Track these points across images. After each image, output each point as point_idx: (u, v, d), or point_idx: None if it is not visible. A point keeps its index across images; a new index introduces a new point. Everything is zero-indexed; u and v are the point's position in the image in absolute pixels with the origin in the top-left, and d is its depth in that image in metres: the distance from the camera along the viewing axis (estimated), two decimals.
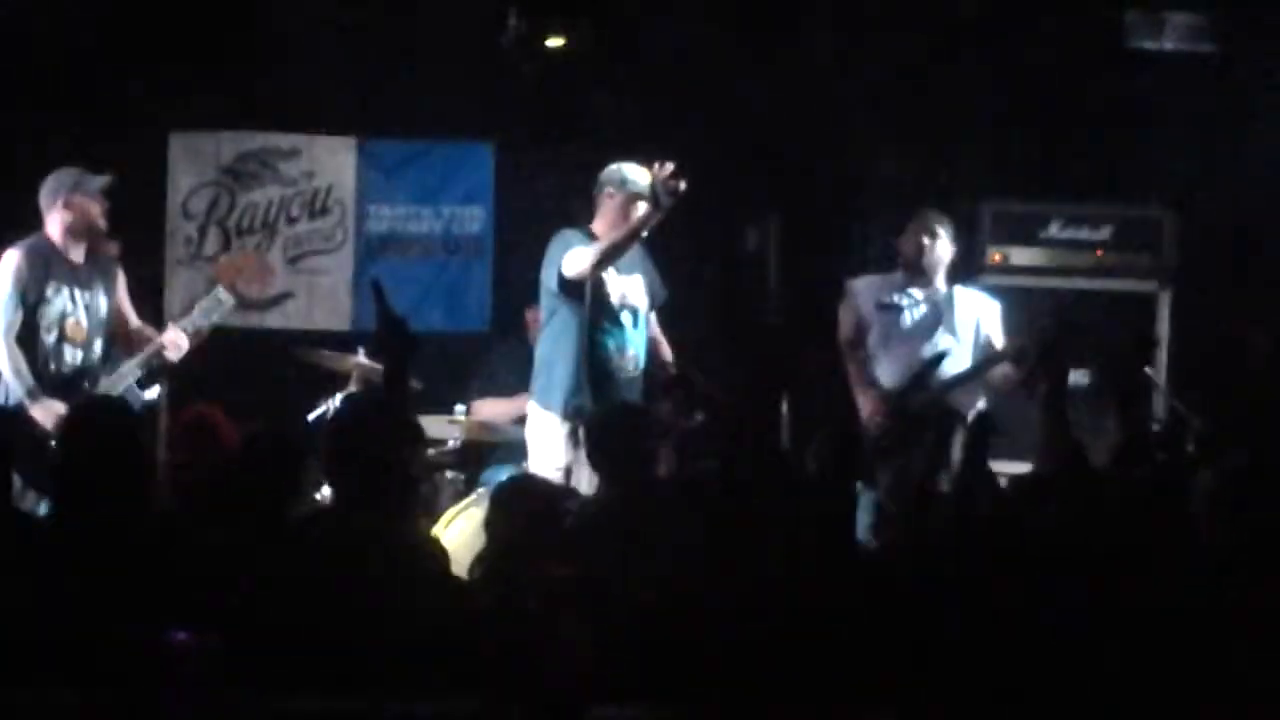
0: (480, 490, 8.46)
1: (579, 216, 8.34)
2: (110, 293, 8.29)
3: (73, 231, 8.16)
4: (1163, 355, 9.38)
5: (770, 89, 10.22)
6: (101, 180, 8.21)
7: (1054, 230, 9.93)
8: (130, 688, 4.58)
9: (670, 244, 8.55)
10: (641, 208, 8.05)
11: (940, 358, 8.40)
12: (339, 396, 8.87)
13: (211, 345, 8.46)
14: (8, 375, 7.94)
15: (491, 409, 9.37)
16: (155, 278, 10.22)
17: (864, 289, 8.82)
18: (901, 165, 10.24)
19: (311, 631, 4.85)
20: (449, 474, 9.29)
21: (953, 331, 8.67)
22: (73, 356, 8.10)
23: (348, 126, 10.70)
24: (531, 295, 8.47)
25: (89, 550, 5.09)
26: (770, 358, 9.72)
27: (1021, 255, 9.76)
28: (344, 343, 9.45)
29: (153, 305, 9.94)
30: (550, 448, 8.05)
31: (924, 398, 8.25)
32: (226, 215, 10.61)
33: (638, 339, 8.27)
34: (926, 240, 8.70)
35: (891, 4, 9.83)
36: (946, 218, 8.83)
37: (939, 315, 8.70)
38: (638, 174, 8.14)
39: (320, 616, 4.89)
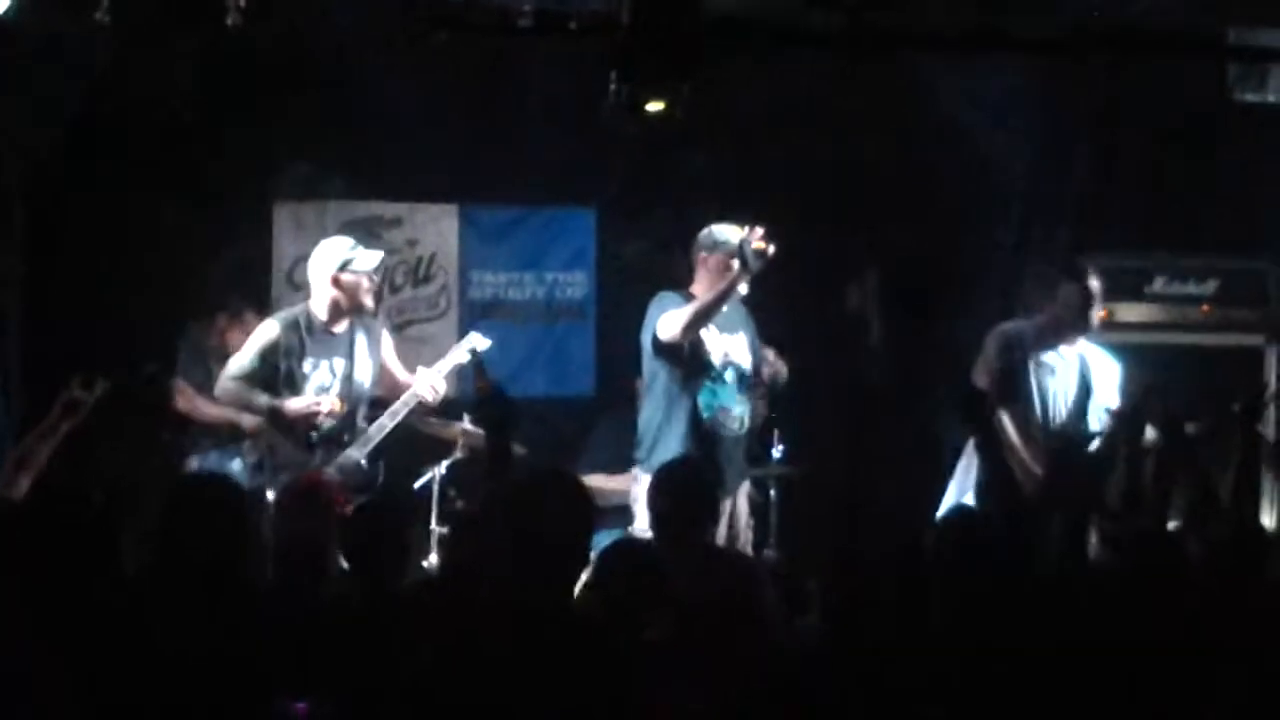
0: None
1: (681, 280, 8.37)
2: (375, 354, 8.32)
3: (339, 308, 8.21)
4: (1272, 412, 9.26)
5: (869, 148, 10.22)
6: (374, 258, 8.26)
7: (1159, 285, 9.86)
8: None
9: (770, 305, 8.54)
10: (736, 267, 8.10)
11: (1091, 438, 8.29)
12: (444, 464, 8.92)
13: None
14: (235, 413, 7.93)
15: (599, 484, 9.36)
16: None
17: (1017, 339, 8.51)
18: (1004, 222, 10.20)
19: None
20: None
21: (1093, 395, 8.49)
22: (326, 424, 8.12)
23: (450, 194, 10.78)
24: (635, 360, 8.48)
25: (193, 619, 5.11)
26: (875, 418, 9.68)
27: (1127, 311, 9.66)
28: (450, 410, 9.49)
29: None
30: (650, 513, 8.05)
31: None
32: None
33: (741, 398, 8.29)
34: (1087, 301, 8.45)
35: (992, 59, 9.80)
36: (1095, 274, 8.60)
37: (1086, 380, 8.53)
38: (732, 234, 8.22)
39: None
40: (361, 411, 8.24)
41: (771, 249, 7.83)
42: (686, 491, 6.70)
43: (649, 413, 8.29)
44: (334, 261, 8.19)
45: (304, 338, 8.13)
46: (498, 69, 9.98)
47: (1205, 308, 9.87)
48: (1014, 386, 8.41)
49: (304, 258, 10.60)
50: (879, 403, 10.20)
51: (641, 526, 8.03)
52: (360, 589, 5.68)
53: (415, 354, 10.55)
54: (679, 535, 6.53)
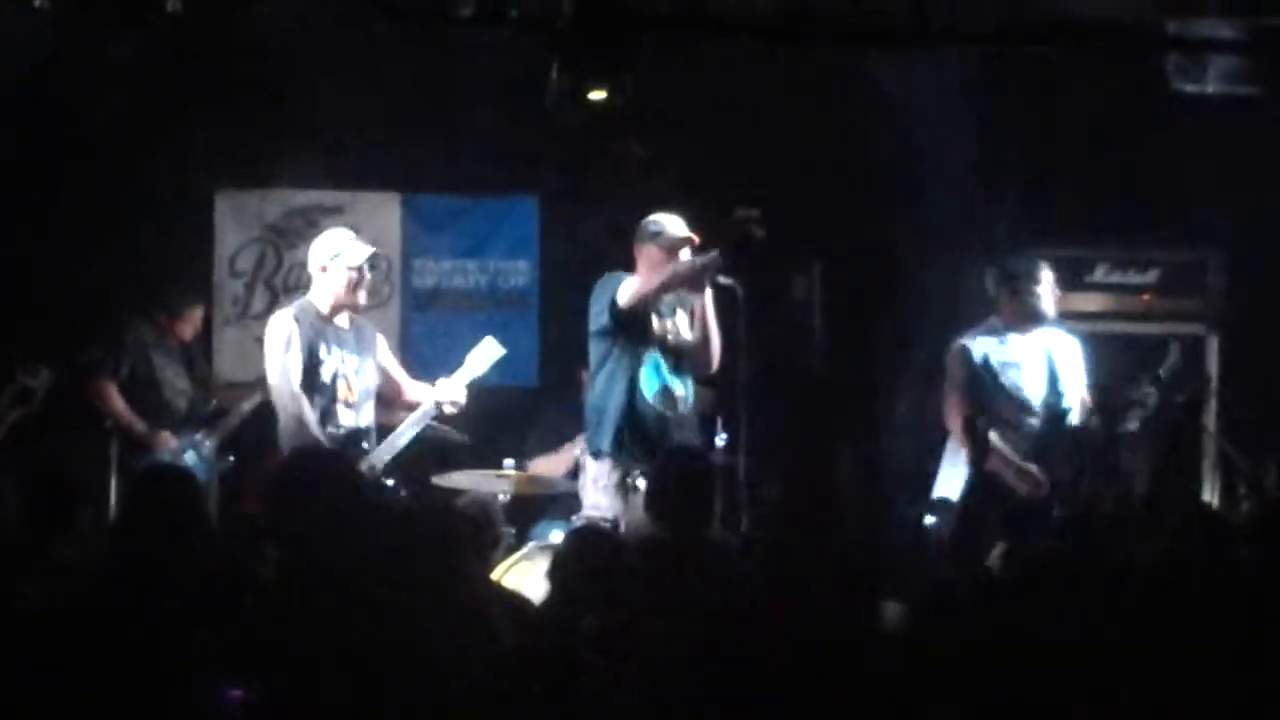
0: (531, 544, 8.46)
1: (623, 268, 8.36)
2: (374, 357, 8.20)
3: (336, 300, 8.05)
4: (1213, 399, 9.34)
5: (811, 139, 10.24)
6: (362, 252, 8.10)
7: (1100, 275, 9.93)
8: None
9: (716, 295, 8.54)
10: (682, 257, 8.11)
11: (1064, 415, 8.37)
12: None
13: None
14: (310, 428, 7.87)
15: (543, 465, 9.38)
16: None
17: (974, 348, 8.62)
18: (945, 212, 10.22)
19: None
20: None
21: (1061, 377, 8.60)
22: (347, 418, 7.98)
23: (391, 182, 10.75)
24: (580, 350, 8.47)
25: (141, 607, 5.10)
26: (818, 407, 9.70)
27: (1068, 301, 9.69)
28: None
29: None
30: (600, 497, 8.07)
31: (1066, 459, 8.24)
32: (274, 273, 10.66)
33: (684, 378, 8.31)
34: (1038, 290, 8.60)
35: (932, 51, 9.83)
36: (1045, 264, 8.73)
37: (1053, 368, 8.62)
38: (674, 225, 8.23)
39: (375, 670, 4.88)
40: (371, 411, 8.12)
41: (760, 232, 7.85)
42: (689, 481, 6.70)
43: (595, 397, 8.29)
44: (325, 253, 8.09)
45: (315, 324, 7.98)
46: (439, 56, 9.96)
47: (1146, 297, 9.93)
48: (984, 397, 8.50)
49: (245, 245, 10.65)
50: (822, 392, 10.21)
51: (591, 511, 8.03)
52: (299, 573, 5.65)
53: None
54: (681, 524, 6.53)
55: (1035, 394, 8.55)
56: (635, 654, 4.79)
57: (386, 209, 10.78)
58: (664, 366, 8.25)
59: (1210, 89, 9.37)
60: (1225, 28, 9.24)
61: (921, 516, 8.68)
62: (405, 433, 8.10)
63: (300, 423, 7.82)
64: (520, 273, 10.88)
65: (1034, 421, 8.51)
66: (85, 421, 9.39)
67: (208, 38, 9.24)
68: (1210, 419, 9.20)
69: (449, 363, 8.33)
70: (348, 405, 7.98)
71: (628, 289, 8.16)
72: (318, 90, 10.00)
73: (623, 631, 4.91)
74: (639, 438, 8.11)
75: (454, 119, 10.32)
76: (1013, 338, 8.61)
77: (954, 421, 8.56)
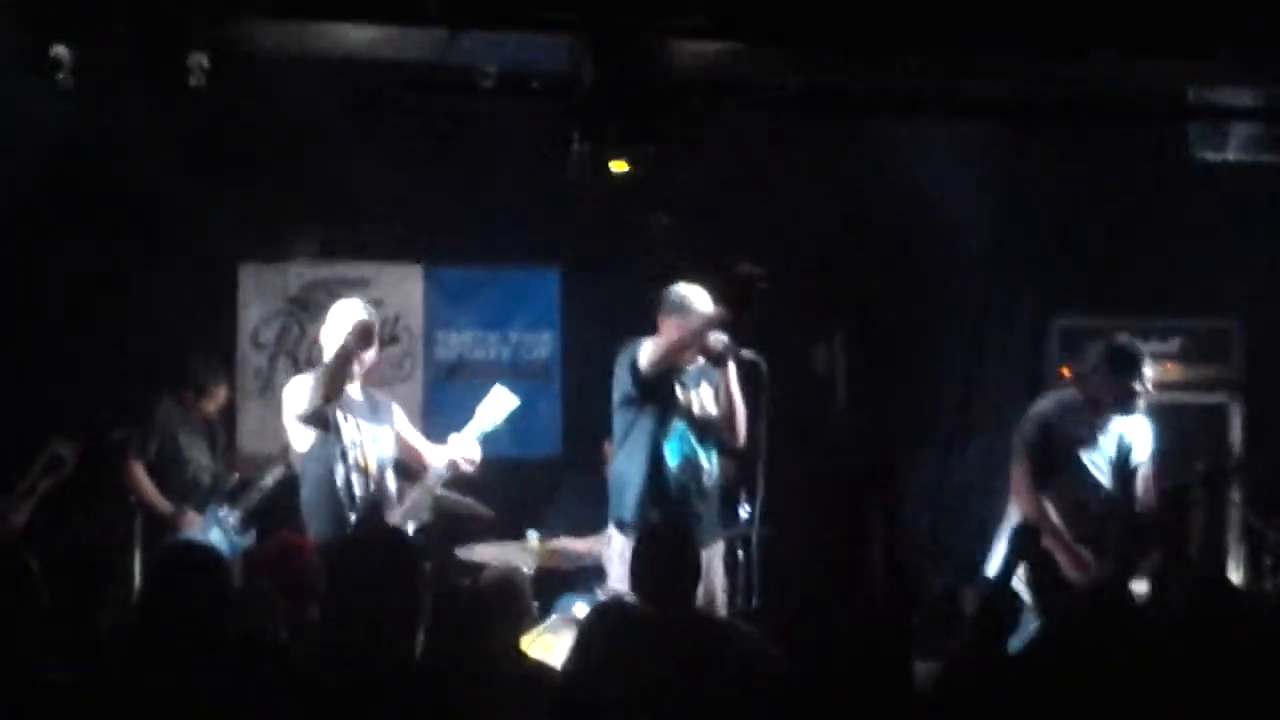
0: (555, 617, 8.43)
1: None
2: (390, 425, 8.09)
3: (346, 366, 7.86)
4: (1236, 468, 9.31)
5: (832, 209, 10.26)
6: (353, 320, 7.89)
7: None
8: None
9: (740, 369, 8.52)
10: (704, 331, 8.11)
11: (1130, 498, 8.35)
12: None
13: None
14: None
15: (567, 546, 9.31)
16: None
17: (1048, 421, 8.48)
18: (967, 281, 10.23)
19: None
20: None
21: (1132, 459, 8.49)
22: (364, 488, 7.85)
23: (414, 254, 10.77)
24: (605, 421, 8.44)
25: (165, 685, 5.09)
26: (842, 482, 9.67)
27: None
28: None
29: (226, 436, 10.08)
30: (624, 569, 8.01)
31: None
32: (296, 345, 10.67)
33: (709, 451, 8.26)
34: (1139, 375, 8.39)
35: (954, 124, 9.85)
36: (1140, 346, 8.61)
37: (1125, 447, 8.49)
38: (696, 297, 8.20)
39: None
40: (390, 479, 8.01)
41: (762, 285, 7.83)
42: (670, 557, 6.63)
43: (619, 466, 8.26)
44: (333, 323, 7.99)
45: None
46: (461, 127, 9.99)
47: (1169, 365, 9.90)
48: (1052, 474, 8.42)
49: (268, 318, 10.66)
50: (846, 463, 10.19)
51: (616, 584, 7.98)
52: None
53: None
54: (663, 601, 6.47)
55: (1105, 474, 8.47)
56: None
57: (409, 281, 10.82)
58: (689, 438, 8.21)
59: (1231, 157, 9.39)
60: (1246, 95, 9.27)
61: (956, 588, 8.63)
62: (422, 497, 8.01)
63: (322, 492, 7.76)
64: (543, 344, 10.90)
65: (1099, 501, 8.43)
66: (111, 496, 9.40)
67: (231, 110, 9.27)
68: (1234, 490, 9.14)
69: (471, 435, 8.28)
70: (364, 474, 7.88)
71: (647, 351, 8.14)
72: (340, 162, 10.03)
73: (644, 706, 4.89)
74: (663, 509, 8.07)
75: (477, 192, 10.33)
76: (1090, 414, 8.47)
77: (1019, 491, 8.47)
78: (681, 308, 8.22)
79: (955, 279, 10.32)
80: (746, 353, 8.17)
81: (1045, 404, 8.61)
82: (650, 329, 8.28)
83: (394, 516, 7.94)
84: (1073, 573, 8.26)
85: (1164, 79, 9.08)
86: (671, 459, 8.15)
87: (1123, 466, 8.47)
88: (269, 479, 9.45)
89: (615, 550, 8.14)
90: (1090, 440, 8.43)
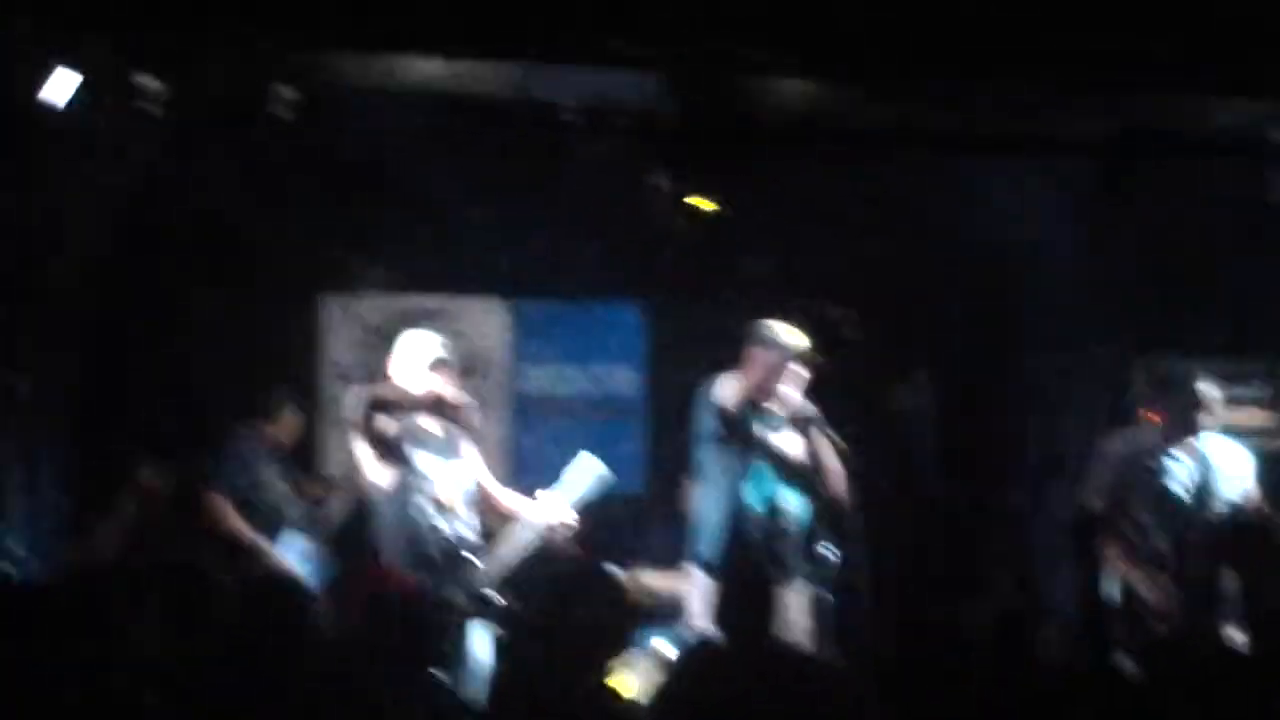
0: (634, 650, 8.41)
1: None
2: (464, 459, 8.01)
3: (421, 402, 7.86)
4: None
5: (918, 247, 10.22)
6: (429, 351, 7.91)
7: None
8: None
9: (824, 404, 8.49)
10: (790, 368, 8.06)
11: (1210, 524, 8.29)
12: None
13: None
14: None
15: (649, 580, 9.30)
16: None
17: (1127, 453, 8.49)
18: (1052, 320, 10.18)
19: None
20: None
21: (1220, 490, 8.44)
22: (444, 523, 7.76)
23: (497, 288, 10.77)
24: (687, 458, 8.40)
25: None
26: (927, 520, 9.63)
27: None
28: None
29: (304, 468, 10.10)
30: (704, 608, 7.99)
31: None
32: (376, 375, 10.66)
33: (794, 493, 8.16)
34: (1196, 402, 8.41)
35: (1042, 161, 9.82)
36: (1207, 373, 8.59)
37: (1207, 478, 8.46)
38: (789, 335, 8.12)
39: None
40: (471, 515, 7.90)
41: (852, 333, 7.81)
42: (749, 599, 6.60)
43: (701, 505, 8.20)
44: (403, 353, 8.00)
45: (402, 424, 7.81)
46: (546, 161, 10.01)
47: (1252, 410, 9.83)
48: (1125, 507, 8.40)
49: (349, 349, 10.67)
50: (932, 504, 10.15)
51: (696, 622, 7.95)
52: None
53: None
54: (743, 640, 6.43)
55: (1183, 505, 8.43)
56: None
57: (491, 314, 10.82)
58: (770, 478, 8.15)
59: None
60: None
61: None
62: (513, 550, 7.84)
63: (402, 527, 7.70)
64: (626, 379, 10.89)
65: (1176, 529, 8.37)
66: (198, 526, 9.43)
67: (315, 142, 9.32)
68: None
69: (553, 471, 8.23)
70: (446, 510, 7.78)
71: (727, 385, 8.08)
72: (423, 195, 10.07)
73: None
74: (742, 550, 8.02)
75: (561, 225, 10.32)
76: (1169, 442, 8.45)
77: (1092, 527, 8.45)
78: (767, 341, 8.16)
79: (1040, 318, 10.26)
80: (834, 435, 8.08)
81: (1114, 440, 8.60)
82: (735, 366, 8.24)
83: (480, 561, 7.79)
84: (1149, 596, 8.22)
85: (1247, 118, 9.05)
86: (754, 499, 8.10)
87: (1204, 493, 8.42)
88: (345, 504, 9.44)
89: (696, 587, 8.11)
90: (1167, 471, 8.40)
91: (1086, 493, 8.46)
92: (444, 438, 7.95)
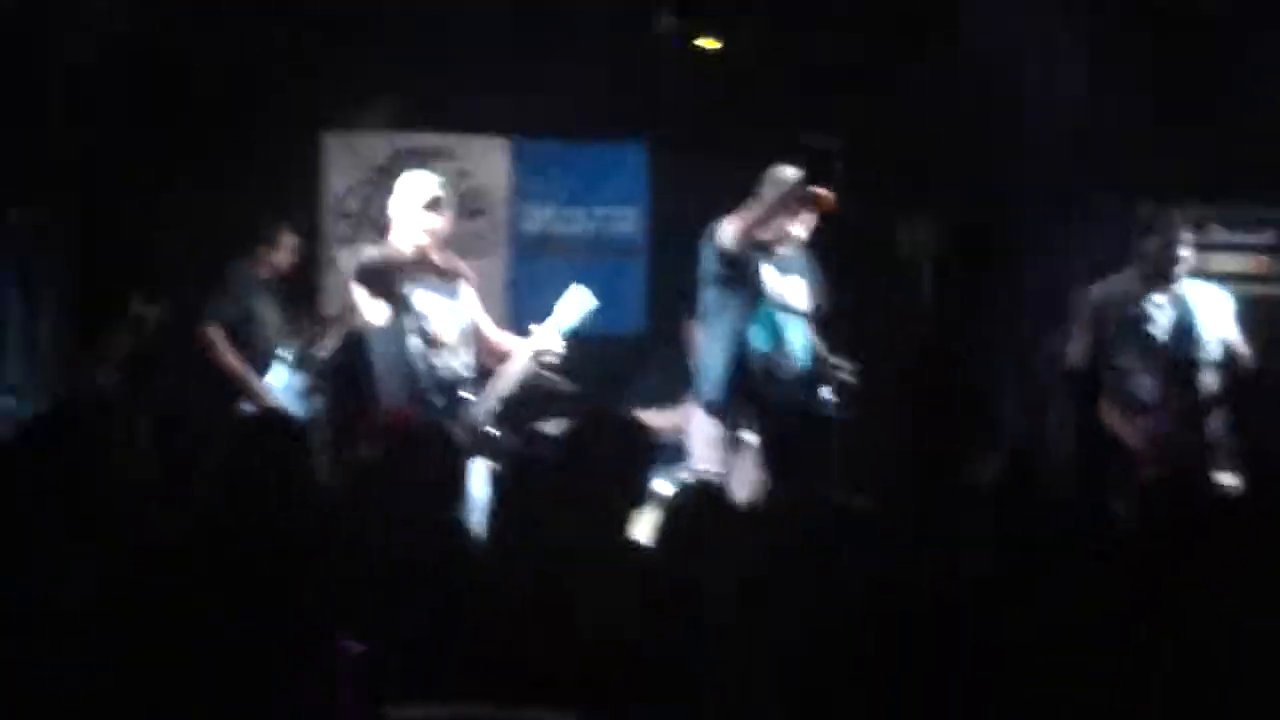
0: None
1: None
2: (466, 299, 7.94)
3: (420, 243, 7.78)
4: None
5: (925, 90, 10.12)
6: (426, 190, 7.85)
7: (1213, 235, 9.75)
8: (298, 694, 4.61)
9: (822, 248, 8.44)
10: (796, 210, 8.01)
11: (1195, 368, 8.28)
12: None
13: None
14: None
15: (652, 419, 9.28)
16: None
17: (1104, 300, 8.42)
18: (1056, 166, 10.10)
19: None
20: None
21: (1201, 333, 8.36)
22: (442, 361, 7.69)
23: (501, 126, 10.69)
24: (690, 299, 8.38)
25: (252, 556, 5.09)
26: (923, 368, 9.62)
27: None
28: None
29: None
30: (709, 452, 8.00)
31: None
32: (380, 214, 10.60)
33: (797, 337, 8.15)
34: (1175, 244, 8.31)
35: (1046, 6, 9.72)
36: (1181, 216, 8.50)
37: (1186, 321, 8.40)
38: (795, 175, 8.02)
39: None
40: (467, 353, 7.83)
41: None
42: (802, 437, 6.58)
43: (704, 345, 8.19)
44: (402, 193, 7.90)
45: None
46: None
47: (1259, 258, 9.77)
48: (1109, 352, 8.34)
49: (352, 187, 10.62)
50: (928, 352, 10.13)
51: (699, 464, 7.96)
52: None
53: None
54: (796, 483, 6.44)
55: (1166, 347, 8.40)
56: (764, 620, 4.72)
57: (494, 153, 10.74)
58: (777, 319, 8.13)
59: None
60: None
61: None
62: (506, 384, 7.81)
63: (396, 365, 7.63)
64: (628, 220, 10.83)
65: (1159, 374, 8.36)
66: (193, 364, 9.43)
67: None
68: None
69: (554, 311, 8.19)
70: (441, 347, 7.72)
71: (727, 228, 8.00)
72: (426, 33, 9.98)
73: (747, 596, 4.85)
74: (749, 391, 8.01)
75: (566, 63, 10.21)
76: (1148, 289, 8.37)
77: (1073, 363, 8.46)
78: (775, 182, 8.08)
79: (1044, 164, 10.17)
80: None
81: (1100, 284, 8.53)
82: (740, 207, 8.18)
83: (476, 398, 7.75)
84: (1133, 442, 8.22)
85: None
86: (761, 340, 8.08)
87: (1185, 337, 8.39)
88: (332, 344, 9.37)
89: (698, 429, 8.12)
90: (1146, 314, 8.37)
91: (1070, 342, 8.44)
92: (441, 274, 7.89)
